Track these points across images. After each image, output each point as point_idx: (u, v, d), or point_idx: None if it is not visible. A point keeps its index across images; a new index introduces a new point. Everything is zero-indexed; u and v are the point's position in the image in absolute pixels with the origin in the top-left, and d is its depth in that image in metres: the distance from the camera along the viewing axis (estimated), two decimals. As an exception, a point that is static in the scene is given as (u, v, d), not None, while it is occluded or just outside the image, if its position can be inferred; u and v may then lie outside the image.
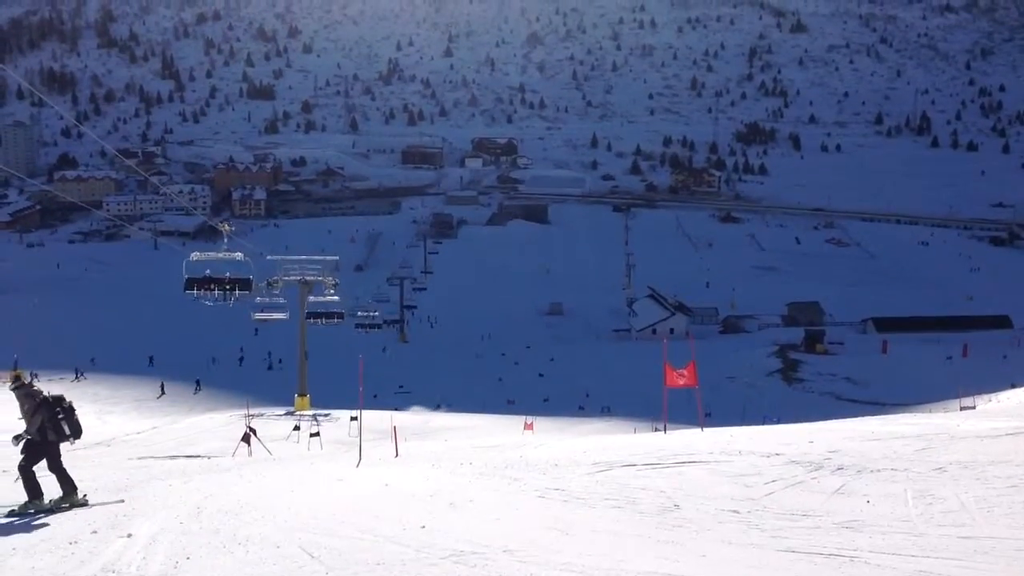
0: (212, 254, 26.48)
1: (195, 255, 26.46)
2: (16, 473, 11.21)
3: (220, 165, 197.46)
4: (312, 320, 45.98)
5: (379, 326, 61.62)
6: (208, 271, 26.26)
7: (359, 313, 58.75)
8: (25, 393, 11.11)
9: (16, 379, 11.24)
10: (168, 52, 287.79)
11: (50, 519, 11.06)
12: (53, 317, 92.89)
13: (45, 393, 11.27)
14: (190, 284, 26.23)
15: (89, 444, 18.20)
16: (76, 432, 11.24)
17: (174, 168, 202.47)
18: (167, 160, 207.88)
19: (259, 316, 47.24)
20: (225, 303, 26.67)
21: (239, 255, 25.76)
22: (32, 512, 10.92)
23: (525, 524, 9.68)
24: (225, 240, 26.05)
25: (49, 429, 11.03)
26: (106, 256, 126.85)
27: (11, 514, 10.84)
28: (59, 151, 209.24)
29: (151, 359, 73.99)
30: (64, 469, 11.27)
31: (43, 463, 11.15)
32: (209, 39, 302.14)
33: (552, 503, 10.73)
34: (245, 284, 26.75)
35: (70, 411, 11.24)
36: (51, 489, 11.43)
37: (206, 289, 26.18)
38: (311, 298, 45.56)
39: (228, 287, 26.38)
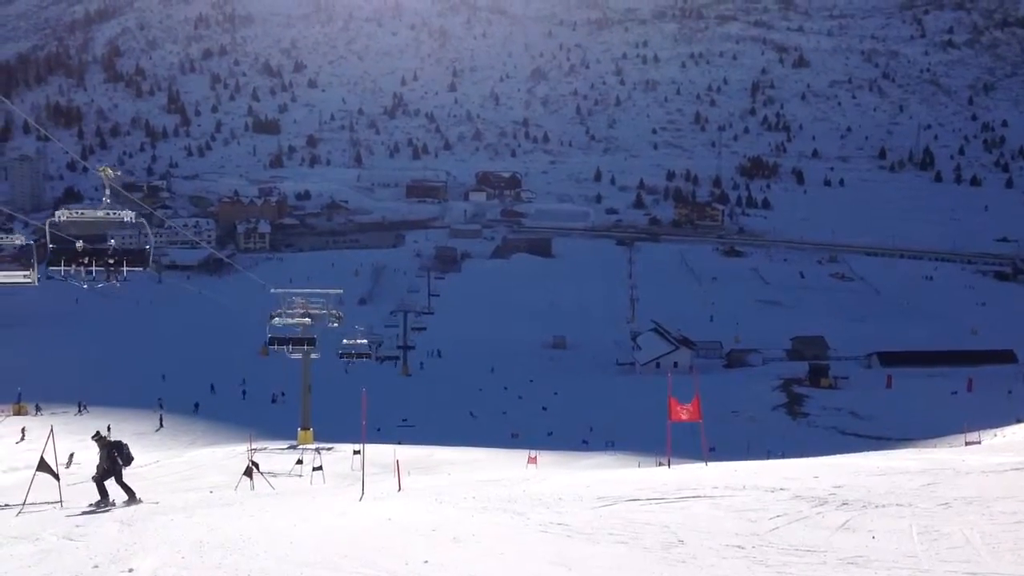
0: (89, 212, 17.82)
1: (62, 213, 17.58)
2: (93, 484, 17.10)
3: (225, 199, 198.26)
4: (278, 347, 44.61)
5: (367, 356, 55.67)
6: (81, 242, 17.69)
7: (344, 341, 52.25)
8: (99, 443, 17.20)
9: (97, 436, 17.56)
10: (174, 87, 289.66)
11: (54, 553, 11.06)
12: (57, 351, 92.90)
13: (109, 439, 17.46)
14: (57, 257, 17.44)
15: (89, 478, 18.19)
16: (128, 463, 17.33)
17: (179, 202, 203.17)
18: (172, 194, 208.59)
19: (293, 355, 47.00)
20: (110, 284, 18.18)
21: (128, 215, 17.60)
22: (105, 508, 16.23)
23: (528, 559, 9.63)
24: (107, 192, 17.75)
25: (115, 461, 17.00)
26: (110, 289, 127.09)
27: (90, 506, 16.34)
28: (65, 185, 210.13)
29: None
30: (126, 483, 17.30)
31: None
32: (215, 74, 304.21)
33: (555, 538, 10.68)
34: (138, 257, 18.04)
35: (121, 449, 17.18)
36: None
37: (79, 265, 17.42)
38: (275, 320, 44.34)
39: (112, 261, 17.58)
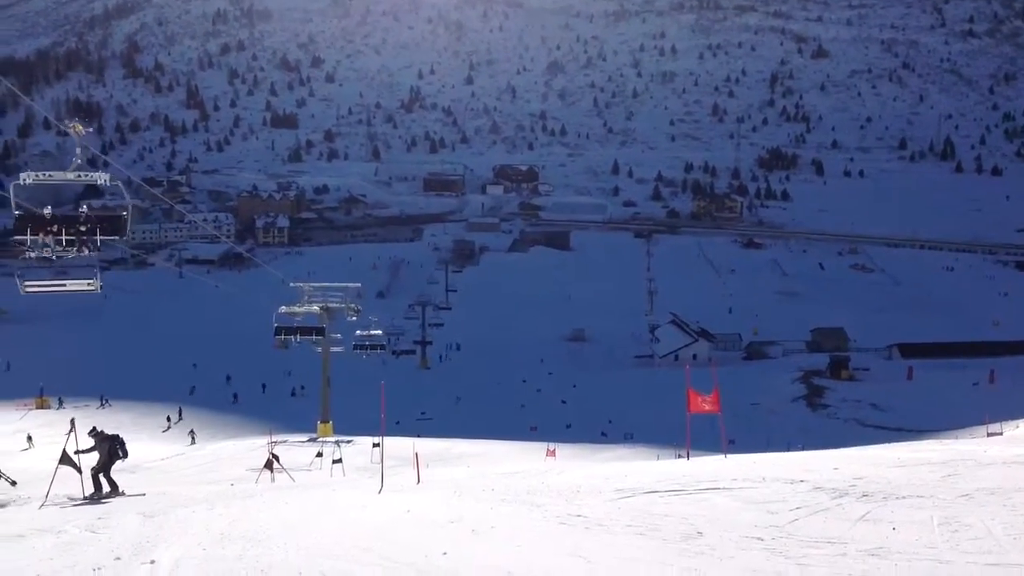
0: (59, 174, 15.77)
1: (27, 176, 15.52)
2: (89, 475, 17.76)
3: (244, 193, 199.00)
4: (284, 336, 44.20)
5: (381, 346, 53.23)
6: (49, 209, 15.62)
7: (358, 332, 50.26)
8: (98, 438, 18.17)
9: (93, 432, 18.56)
10: (193, 82, 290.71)
11: (76, 546, 11.14)
12: (78, 345, 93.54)
13: (107, 433, 18.46)
14: (21, 225, 15.26)
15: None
16: (125, 457, 18.48)
17: (198, 197, 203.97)
18: (191, 189, 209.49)
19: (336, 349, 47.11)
20: (82, 255, 15.79)
21: (103, 177, 15.89)
22: (98, 499, 17.11)
23: (547, 551, 9.64)
24: (77, 152, 15.78)
25: (115, 454, 18.08)
26: (131, 284, 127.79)
27: (84, 499, 17.11)
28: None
29: (192, 389, 74.82)
30: (112, 478, 18.00)
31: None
32: (233, 69, 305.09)
33: (574, 530, 10.68)
34: (114, 224, 15.82)
35: (122, 444, 18.31)
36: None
37: (47, 233, 15.23)
38: (283, 308, 44.02)
39: (85, 228, 15.41)
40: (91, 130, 16.96)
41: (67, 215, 15.58)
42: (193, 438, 52.32)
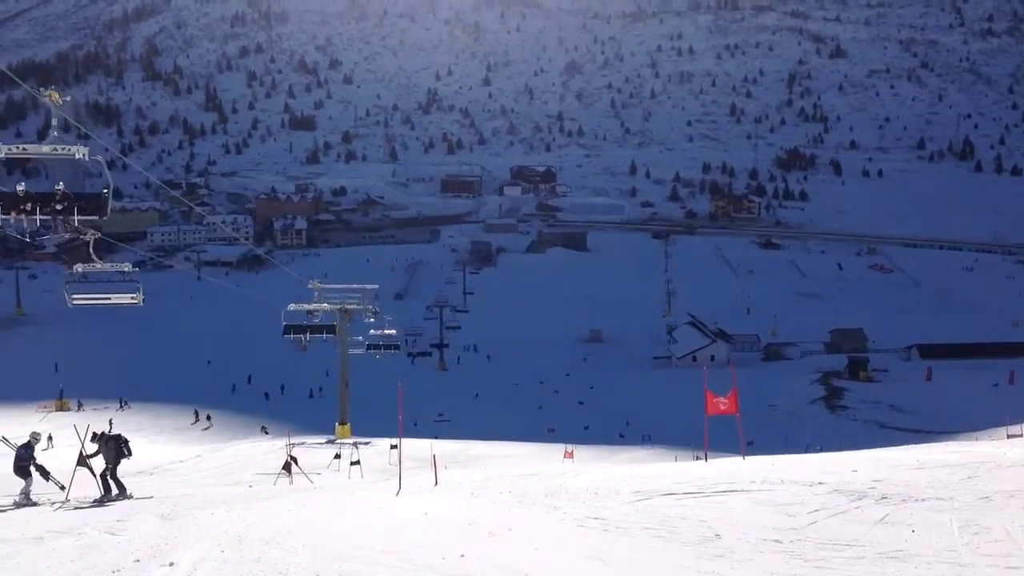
0: (33, 148, 14.62)
1: (3, 148, 14.32)
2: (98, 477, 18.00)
3: (262, 195, 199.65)
4: (292, 335, 43.89)
5: (396, 347, 50.87)
6: (22, 185, 14.39)
7: (371, 332, 47.88)
8: (102, 441, 18.21)
9: (95, 436, 18.55)
10: (211, 84, 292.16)
11: (95, 548, 11.20)
12: (97, 347, 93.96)
13: (109, 434, 18.68)
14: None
15: (131, 472, 18.50)
16: (129, 456, 18.51)
17: (217, 199, 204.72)
18: (210, 191, 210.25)
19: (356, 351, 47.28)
20: (55, 236, 14.49)
21: (81, 150, 14.68)
22: (104, 502, 17.20)
23: (564, 553, 9.63)
24: (53, 123, 14.86)
25: (121, 453, 18.26)
26: (150, 287, 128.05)
27: (93, 502, 17.20)
28: (104, 183, 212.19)
29: (233, 387, 78.60)
30: (119, 480, 18.08)
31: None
32: (251, 71, 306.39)
33: (592, 532, 10.67)
34: (93, 204, 14.71)
35: (126, 442, 18.52)
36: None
37: (19, 212, 14.08)
38: (291, 306, 43.83)
39: (61, 206, 14.36)
40: (68, 99, 15.45)
41: (42, 193, 14.56)
42: (265, 431, 53.78)
